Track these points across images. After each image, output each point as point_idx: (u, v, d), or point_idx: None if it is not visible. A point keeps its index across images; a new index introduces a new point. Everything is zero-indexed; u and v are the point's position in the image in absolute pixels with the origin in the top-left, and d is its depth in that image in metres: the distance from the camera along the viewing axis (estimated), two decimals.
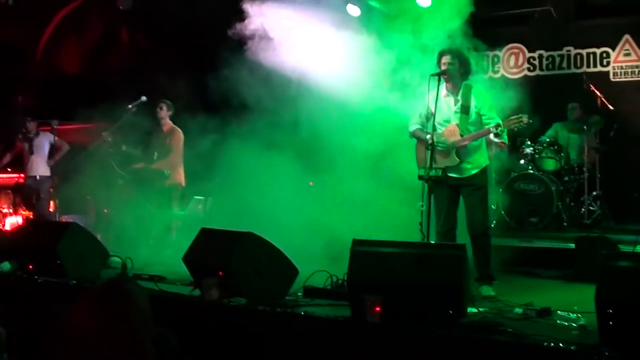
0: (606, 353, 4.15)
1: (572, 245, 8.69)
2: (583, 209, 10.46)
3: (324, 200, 9.42)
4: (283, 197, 9.36)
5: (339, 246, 7.44)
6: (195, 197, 10.17)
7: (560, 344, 4.39)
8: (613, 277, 4.56)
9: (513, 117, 6.90)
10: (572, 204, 10.68)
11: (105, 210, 10.51)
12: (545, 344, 4.44)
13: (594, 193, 10.57)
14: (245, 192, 9.34)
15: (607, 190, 10.66)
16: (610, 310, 4.38)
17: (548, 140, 10.73)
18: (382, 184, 8.74)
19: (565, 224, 10.29)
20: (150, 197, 9.85)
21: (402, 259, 5.40)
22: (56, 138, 11.64)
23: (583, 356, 4.23)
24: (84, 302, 2.51)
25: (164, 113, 10.32)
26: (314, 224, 8.65)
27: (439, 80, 7.07)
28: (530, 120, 6.89)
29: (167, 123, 10.42)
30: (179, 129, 10.39)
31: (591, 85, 10.86)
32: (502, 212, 10.39)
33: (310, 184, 10.79)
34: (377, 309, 5.12)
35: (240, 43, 9.44)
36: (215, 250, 6.26)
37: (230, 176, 9.47)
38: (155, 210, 9.72)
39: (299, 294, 6.37)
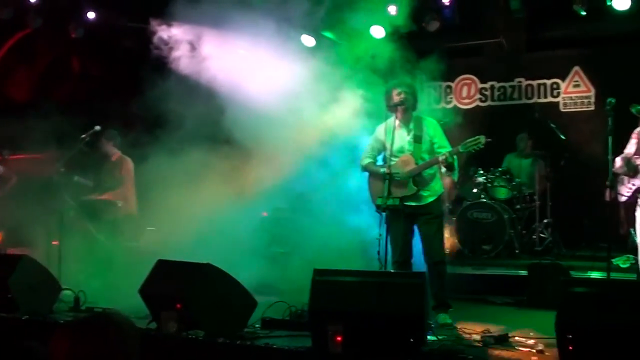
0: None
1: (525, 272, 8.81)
2: (534, 237, 10.60)
3: (279, 230, 9.40)
4: (237, 227, 9.31)
5: (297, 276, 7.45)
6: (149, 227, 10.03)
7: None
8: (572, 303, 4.62)
9: (470, 139, 7.00)
10: (524, 231, 10.82)
11: (55, 242, 10.30)
12: None
13: (545, 221, 10.72)
14: (197, 222, 9.24)
15: (558, 218, 10.82)
16: (570, 335, 4.43)
17: (500, 169, 10.88)
18: (338, 213, 8.75)
19: (517, 251, 10.42)
20: (101, 228, 9.72)
21: (363, 288, 5.42)
22: (3, 168, 11.40)
23: None
24: (71, 334, 2.45)
25: (107, 143, 10.21)
26: (271, 254, 8.62)
27: (397, 112, 7.18)
28: (489, 139, 6.99)
29: (116, 152, 10.33)
30: (128, 158, 10.29)
31: (542, 116, 11.06)
32: (456, 241, 10.46)
33: (264, 214, 10.77)
34: (339, 338, 5.11)
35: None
36: (173, 282, 6.18)
37: (184, 205, 9.37)
38: (107, 242, 9.57)
39: (257, 325, 6.33)
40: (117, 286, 8.46)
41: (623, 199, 6.70)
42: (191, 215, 9.18)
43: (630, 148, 6.65)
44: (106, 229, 9.75)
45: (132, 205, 10.26)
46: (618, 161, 6.65)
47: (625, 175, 6.59)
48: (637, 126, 6.79)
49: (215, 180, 9.23)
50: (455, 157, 7.07)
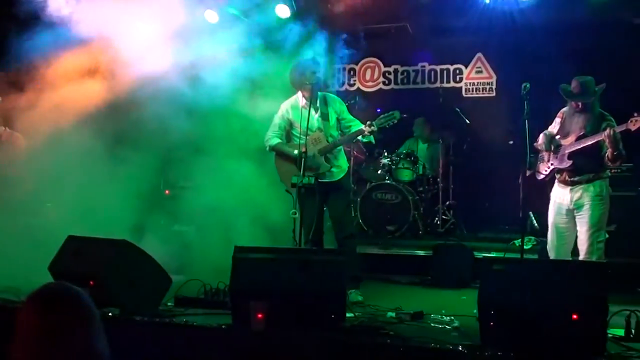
0: (492, 353, 4.31)
1: (429, 253, 9.00)
2: (437, 218, 10.83)
3: (186, 208, 9.27)
4: (146, 205, 9.15)
5: (212, 255, 7.40)
6: (48, 204, 9.69)
7: (448, 345, 4.52)
8: (494, 280, 4.74)
9: (385, 115, 7.10)
10: (427, 213, 11.04)
11: None
12: (432, 345, 4.56)
13: (448, 203, 10.98)
14: (104, 198, 9.00)
15: (460, 200, 11.10)
16: (492, 312, 4.56)
17: (404, 151, 11.05)
18: (251, 192, 8.70)
19: (420, 232, 10.61)
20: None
21: (285, 266, 5.41)
22: None
23: (472, 357, 4.37)
24: (32, 303, 2.35)
25: None
26: (183, 233, 8.50)
27: (311, 90, 7.20)
28: (404, 115, 7.10)
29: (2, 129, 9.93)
30: (17, 133, 9.90)
31: (446, 100, 11.30)
32: (360, 221, 10.58)
33: (167, 192, 10.63)
34: (261, 315, 5.09)
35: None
36: (86, 259, 6.00)
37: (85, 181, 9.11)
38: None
39: (169, 303, 6.24)
40: (19, 264, 8.19)
41: (541, 177, 6.88)
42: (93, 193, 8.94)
43: (554, 127, 6.82)
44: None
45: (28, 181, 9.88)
46: (541, 137, 6.82)
47: (546, 150, 6.75)
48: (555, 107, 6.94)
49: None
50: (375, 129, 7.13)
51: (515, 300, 4.55)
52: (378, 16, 12.04)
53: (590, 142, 6.39)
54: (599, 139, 6.31)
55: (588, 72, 6.73)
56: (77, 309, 2.39)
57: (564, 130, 6.73)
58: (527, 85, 6.61)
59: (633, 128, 6.07)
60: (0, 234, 8.52)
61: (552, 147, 6.71)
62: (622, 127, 6.17)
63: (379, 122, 7.08)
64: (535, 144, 6.84)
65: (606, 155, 6.36)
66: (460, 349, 4.45)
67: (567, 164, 6.54)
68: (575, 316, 4.34)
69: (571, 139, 6.59)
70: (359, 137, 7.26)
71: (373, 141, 7.50)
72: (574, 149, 6.51)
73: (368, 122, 7.11)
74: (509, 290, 4.62)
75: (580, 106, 6.56)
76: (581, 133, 6.53)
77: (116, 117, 9.01)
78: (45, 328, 2.33)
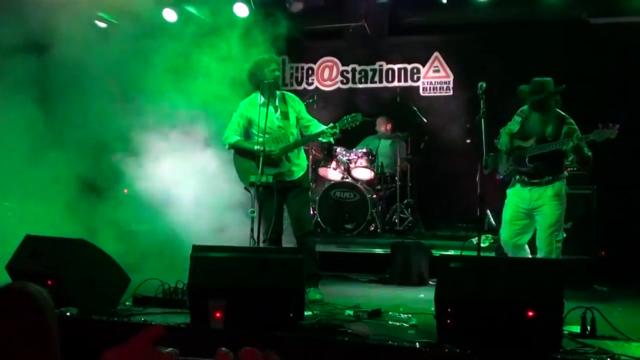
0: (449, 349, 4.36)
1: (386, 250, 9.07)
2: (395, 216, 10.91)
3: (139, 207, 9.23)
4: (98, 203, 9.10)
5: (168, 255, 7.38)
6: (5, 203, 9.58)
7: (405, 343, 4.57)
8: (450, 278, 4.80)
9: (348, 116, 7.14)
10: (386, 211, 11.11)
11: None
12: (389, 342, 4.60)
13: (406, 201, 11.05)
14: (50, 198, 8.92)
15: (418, 199, 11.19)
16: (449, 309, 4.62)
17: (362, 150, 11.10)
18: (209, 189, 8.70)
19: (379, 230, 10.68)
20: None
21: (243, 264, 5.42)
22: None
23: (430, 353, 4.42)
24: None
25: None
26: (137, 232, 8.46)
27: (270, 89, 7.20)
28: (367, 119, 7.15)
29: None
30: None
31: (404, 99, 11.39)
32: (319, 219, 10.62)
33: (125, 191, 10.54)
34: (219, 314, 5.10)
35: None
36: (44, 258, 5.96)
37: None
38: None
39: (127, 303, 6.21)
40: None
41: (499, 176, 6.95)
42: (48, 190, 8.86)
43: (514, 126, 6.86)
44: None
45: None
46: (502, 136, 6.86)
47: (506, 151, 6.82)
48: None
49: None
50: (337, 129, 7.16)
51: (472, 298, 4.62)
52: (336, 15, 12.12)
53: (550, 149, 6.44)
54: (561, 148, 6.38)
55: (547, 73, 6.80)
56: (35, 310, 2.37)
57: (523, 131, 6.76)
58: (483, 85, 6.69)
59: (599, 140, 6.13)
60: None
61: (513, 148, 6.77)
62: (588, 138, 6.19)
63: (342, 124, 7.12)
64: (495, 141, 6.92)
65: (573, 160, 6.50)
66: (418, 346, 4.49)
67: (526, 167, 6.60)
68: (531, 313, 4.42)
69: (531, 141, 6.64)
70: (319, 138, 7.30)
71: (332, 142, 7.54)
72: (534, 153, 6.56)
73: (331, 124, 7.14)
74: (466, 287, 4.69)
75: (537, 106, 6.62)
76: (541, 136, 6.59)
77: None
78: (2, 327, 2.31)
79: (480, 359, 4.30)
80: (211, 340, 5.09)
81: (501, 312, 4.52)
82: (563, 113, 6.63)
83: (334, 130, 7.07)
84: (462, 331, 4.58)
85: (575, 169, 7.47)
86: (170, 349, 2.11)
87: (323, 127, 7.18)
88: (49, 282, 5.66)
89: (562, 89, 6.62)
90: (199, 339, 5.15)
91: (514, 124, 6.84)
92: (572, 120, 6.53)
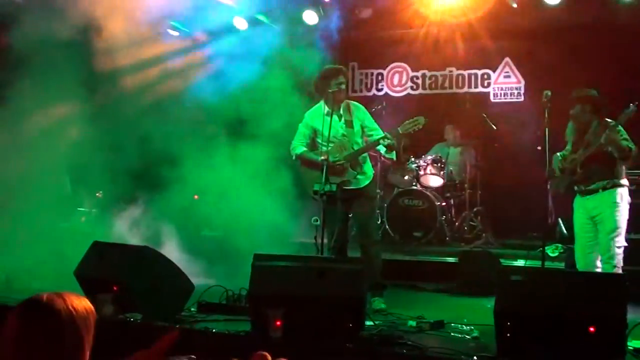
0: None
1: (455, 259, 8.97)
2: (465, 225, 10.78)
3: (213, 214, 9.34)
4: (171, 210, 9.23)
5: (235, 261, 7.44)
6: (79, 209, 9.84)
7: (462, 356, 4.51)
8: (510, 291, 4.72)
9: (409, 121, 7.09)
10: (454, 219, 11.00)
11: None
12: (447, 356, 4.55)
13: (475, 209, 10.92)
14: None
15: (487, 207, 11.03)
16: (508, 323, 4.54)
17: (432, 157, 11.02)
18: (275, 198, 8.75)
19: (447, 238, 10.57)
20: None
21: (303, 273, 5.44)
22: None
23: None
24: (13, 318, 2.39)
25: None
26: (207, 238, 8.57)
27: (335, 99, 7.20)
28: (427, 120, 7.09)
29: None
30: None
31: (473, 106, 11.25)
32: (387, 227, 10.57)
33: (195, 197, 10.69)
34: (279, 323, 5.12)
35: None
36: (110, 265, 6.10)
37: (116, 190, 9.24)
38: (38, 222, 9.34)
39: (193, 309, 6.29)
40: (49, 267, 8.31)
41: (562, 189, 6.89)
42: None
43: (569, 145, 6.90)
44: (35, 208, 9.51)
45: (63, 185, 10.05)
46: (554, 160, 6.91)
47: (561, 170, 6.82)
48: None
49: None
50: (397, 135, 7.14)
51: (532, 312, 4.53)
52: (405, 21, 12.06)
53: (593, 149, 6.47)
54: (599, 145, 6.40)
55: (623, 76, 6.70)
56: (51, 324, 2.44)
57: (573, 145, 6.83)
58: (548, 93, 6.63)
59: (622, 121, 6.28)
60: (32, 236, 8.69)
61: (567, 164, 6.77)
62: (615, 124, 6.29)
63: (403, 128, 7.09)
64: (552, 166, 6.91)
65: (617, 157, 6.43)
66: (475, 359, 4.43)
67: (578, 174, 6.61)
68: (592, 329, 4.31)
69: (580, 151, 6.66)
70: (380, 150, 7.26)
71: (394, 158, 7.51)
72: (582, 158, 6.58)
73: (386, 133, 7.11)
74: (526, 301, 4.60)
75: (573, 118, 6.72)
76: (586, 142, 6.61)
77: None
78: (20, 335, 2.38)
79: None
80: (269, 349, 5.10)
81: (562, 327, 4.41)
82: (608, 120, 6.54)
83: (387, 141, 7.02)
84: (521, 345, 4.49)
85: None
86: (190, 356, 2.13)
87: (380, 135, 7.15)
88: (115, 288, 5.79)
89: (590, 96, 6.65)
90: (258, 348, 5.16)
91: (568, 145, 6.91)
92: (616, 123, 6.43)
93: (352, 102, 7.54)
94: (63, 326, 2.45)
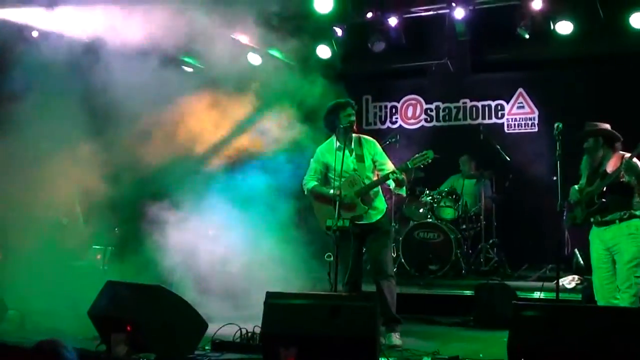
0: None
1: (471, 292, 8.90)
2: (481, 257, 10.73)
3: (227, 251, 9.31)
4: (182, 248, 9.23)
5: (248, 299, 7.42)
6: (94, 246, 9.86)
7: None
8: (523, 327, 4.67)
9: (418, 155, 7.08)
10: (470, 251, 10.94)
11: None
12: None
13: (491, 241, 10.87)
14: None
15: (503, 238, 10.98)
16: (522, 359, 4.49)
17: (446, 189, 10.99)
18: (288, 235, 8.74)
19: (463, 271, 10.52)
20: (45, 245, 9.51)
21: (315, 311, 5.41)
22: None
23: None
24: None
25: None
26: (220, 275, 8.54)
27: (345, 133, 7.21)
28: (437, 156, 7.08)
29: None
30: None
31: (487, 137, 11.23)
32: (402, 260, 10.54)
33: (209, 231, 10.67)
34: None
35: None
36: (123, 304, 6.09)
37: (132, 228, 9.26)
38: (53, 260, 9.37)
39: (207, 347, 6.28)
40: (64, 306, 8.33)
41: (579, 221, 6.85)
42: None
43: (583, 180, 6.86)
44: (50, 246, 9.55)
45: (78, 222, 10.10)
46: (571, 193, 6.88)
47: (578, 202, 6.79)
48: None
49: None
50: (410, 168, 7.13)
51: (545, 348, 4.47)
52: (418, 54, 12.13)
53: (610, 180, 6.43)
54: (618, 176, 6.39)
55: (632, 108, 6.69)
56: None
57: (588, 178, 6.78)
58: (560, 125, 6.61)
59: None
60: (46, 274, 8.72)
61: (583, 197, 6.74)
62: (636, 152, 6.27)
63: (412, 163, 7.07)
64: (567, 198, 6.88)
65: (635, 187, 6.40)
66: None
67: (595, 204, 6.54)
68: None
69: (596, 183, 6.61)
70: (390, 184, 7.24)
71: (403, 194, 7.50)
72: (599, 190, 6.52)
73: (394, 169, 7.10)
74: (539, 337, 4.55)
75: (586, 151, 6.72)
76: (603, 174, 6.56)
77: None
78: None
79: None
80: None
81: None
82: (622, 152, 6.55)
83: (395, 175, 7.01)
84: None
85: None
86: None
87: (389, 171, 7.13)
88: (128, 328, 5.78)
89: (602, 130, 6.66)
90: None
91: (582, 179, 6.86)
92: (631, 156, 6.39)
93: (363, 136, 7.53)
94: None
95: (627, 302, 6.24)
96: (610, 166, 6.55)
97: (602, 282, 6.62)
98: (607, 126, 6.73)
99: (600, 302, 6.58)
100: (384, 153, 7.49)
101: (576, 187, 6.88)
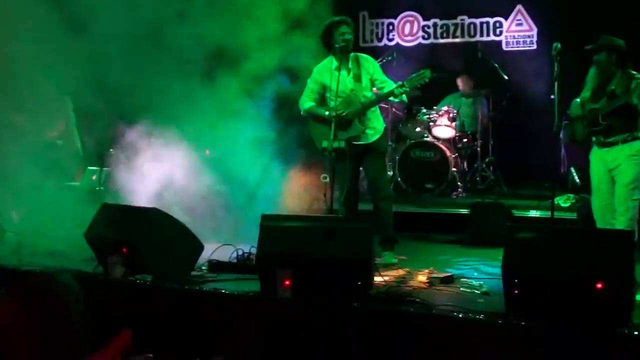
0: (514, 322, 4.29)
1: (467, 211, 8.96)
2: (477, 175, 10.74)
3: (222, 171, 9.29)
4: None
5: (244, 219, 7.44)
6: (89, 167, 9.84)
7: (469, 314, 4.51)
8: (518, 249, 4.70)
9: (415, 74, 7.00)
10: (467, 170, 10.95)
11: None
12: (454, 314, 4.56)
13: (487, 159, 10.86)
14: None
15: (500, 157, 10.98)
16: (516, 281, 4.52)
17: (443, 108, 10.92)
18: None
19: (460, 189, 10.53)
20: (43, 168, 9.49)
21: (311, 233, 5.42)
22: None
23: (491, 325, 4.36)
24: (16, 297, 2.38)
25: None
26: (216, 196, 8.53)
27: (341, 52, 7.10)
28: (435, 74, 7.00)
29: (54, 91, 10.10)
30: (67, 97, 10.08)
31: (485, 55, 11.11)
32: (399, 179, 10.55)
33: (207, 152, 10.65)
34: (288, 283, 5.14)
35: None
36: (119, 227, 6.11)
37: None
38: (48, 182, 9.37)
39: (204, 268, 6.32)
40: (60, 228, 8.36)
41: (579, 138, 6.78)
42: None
43: (586, 93, 6.69)
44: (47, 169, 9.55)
45: (73, 143, 10.09)
46: (572, 105, 6.75)
47: (579, 117, 6.67)
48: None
49: None
50: (408, 89, 7.05)
51: (538, 269, 4.50)
52: None
53: (620, 103, 6.30)
54: (630, 100, 6.23)
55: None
56: (66, 307, 2.43)
57: (593, 93, 6.61)
58: (558, 46, 6.49)
59: None
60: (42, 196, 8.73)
61: (586, 112, 6.61)
62: None
63: (409, 83, 6.98)
64: (567, 111, 6.76)
65: None
66: (482, 317, 4.44)
67: (599, 125, 6.44)
68: (599, 285, 4.28)
69: (602, 101, 6.47)
70: (391, 98, 7.17)
71: (405, 100, 7.41)
72: (605, 111, 6.40)
73: (399, 83, 7.01)
74: (533, 258, 4.57)
75: (597, 64, 6.49)
76: (611, 94, 6.41)
77: None
78: (30, 325, 2.37)
79: (546, 332, 4.21)
80: (279, 309, 5.14)
81: (569, 285, 4.39)
82: (633, 72, 6.40)
83: (402, 89, 6.93)
84: (529, 303, 4.47)
85: None
86: (147, 355, 2.13)
87: (392, 87, 7.05)
88: (124, 250, 5.81)
89: (618, 45, 6.43)
90: (267, 308, 5.21)
91: (586, 91, 6.69)
92: None
93: (361, 54, 7.41)
94: (63, 308, 2.44)
95: (623, 225, 6.23)
96: (620, 86, 6.39)
97: (601, 204, 6.60)
98: (622, 43, 6.51)
99: (599, 223, 6.58)
100: (382, 71, 7.40)
101: (578, 100, 6.75)
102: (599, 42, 6.51)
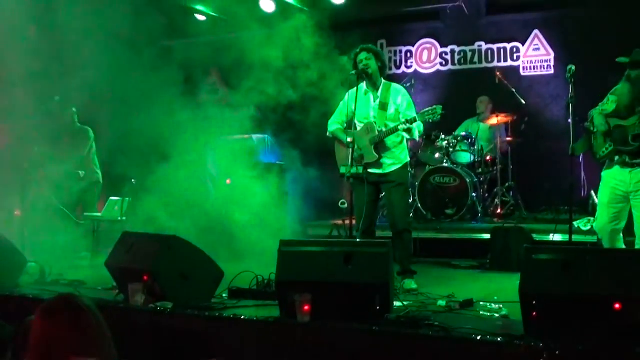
0: (532, 343, 4.28)
1: (487, 236, 8.94)
2: (497, 200, 10.73)
3: (241, 199, 9.37)
4: (198, 196, 9.30)
5: (264, 246, 7.48)
6: (112, 198, 9.94)
7: (487, 336, 4.50)
8: (535, 270, 4.68)
9: (427, 109, 7.03)
10: (487, 195, 10.94)
11: (17, 213, 10.15)
12: (472, 336, 4.55)
13: (507, 184, 10.85)
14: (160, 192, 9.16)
15: (519, 182, 10.96)
16: (534, 302, 4.51)
17: (462, 133, 10.94)
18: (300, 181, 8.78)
19: (480, 215, 10.52)
20: (64, 198, 9.62)
21: (329, 258, 5.43)
22: None
23: (509, 347, 4.35)
24: (43, 314, 2.45)
25: (68, 112, 10.13)
26: (236, 223, 8.60)
27: (358, 78, 7.15)
28: (444, 112, 7.03)
29: (75, 122, 10.28)
30: (87, 127, 10.24)
31: (502, 79, 11.13)
32: (419, 205, 10.56)
33: (228, 181, 10.73)
34: (307, 307, 5.15)
35: None
36: (139, 254, 6.16)
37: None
38: (70, 213, 9.50)
39: (224, 295, 6.34)
40: (80, 257, 8.46)
41: (598, 157, 6.60)
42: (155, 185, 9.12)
43: (609, 106, 6.46)
44: (69, 199, 9.67)
45: (95, 174, 10.23)
46: (596, 118, 6.50)
47: (602, 131, 6.49)
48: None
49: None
50: (420, 124, 7.08)
51: (557, 291, 4.49)
52: None
53: None
54: None
55: None
56: (75, 320, 2.49)
57: (622, 109, 6.36)
58: (572, 68, 6.46)
59: None
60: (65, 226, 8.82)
61: (610, 127, 6.40)
62: None
63: (421, 118, 7.01)
64: (585, 124, 6.62)
65: None
66: (499, 339, 4.43)
67: (630, 146, 6.22)
68: (618, 305, 4.26)
69: (634, 118, 6.24)
70: (404, 134, 7.20)
71: (416, 138, 7.47)
72: (637, 131, 6.18)
73: (404, 120, 7.02)
74: (551, 279, 4.56)
75: (636, 79, 6.21)
76: None
77: None
78: (45, 335, 2.44)
79: (564, 353, 4.19)
80: (298, 334, 5.16)
81: (588, 306, 4.37)
82: None
83: (405, 126, 6.96)
84: (548, 324, 4.46)
85: None
86: None
87: (397, 123, 7.08)
88: (145, 278, 5.85)
89: None
90: (287, 333, 5.22)
91: (608, 104, 6.45)
92: None
93: (394, 84, 7.39)
94: (87, 320, 2.51)
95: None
96: None
97: (608, 223, 6.45)
98: None
99: (605, 241, 6.47)
100: (412, 104, 7.36)
101: (597, 112, 6.53)
102: (634, 57, 6.25)
